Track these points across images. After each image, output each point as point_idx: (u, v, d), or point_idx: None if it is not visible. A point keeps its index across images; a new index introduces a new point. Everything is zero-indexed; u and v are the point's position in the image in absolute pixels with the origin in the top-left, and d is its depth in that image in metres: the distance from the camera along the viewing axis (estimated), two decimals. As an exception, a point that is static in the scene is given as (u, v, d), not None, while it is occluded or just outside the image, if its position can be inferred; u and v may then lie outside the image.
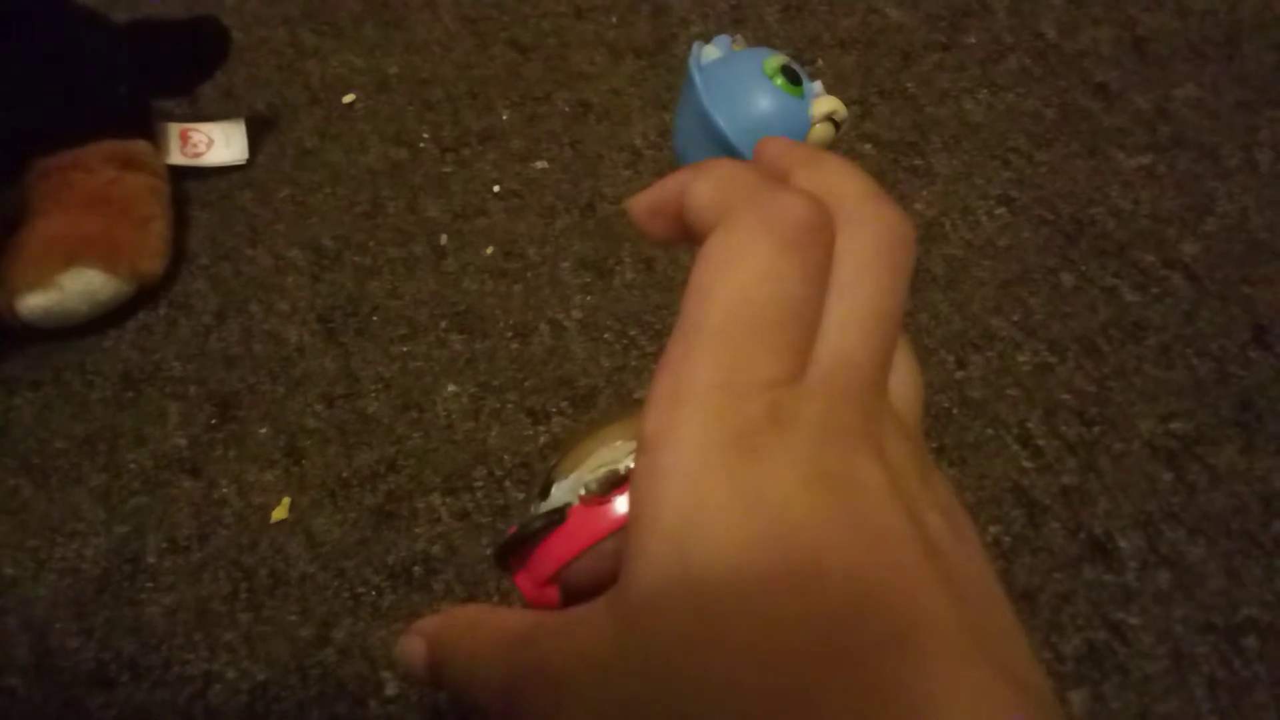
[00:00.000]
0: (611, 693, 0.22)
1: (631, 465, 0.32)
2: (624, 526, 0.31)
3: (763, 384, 0.23)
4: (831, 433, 0.22)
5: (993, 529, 0.49)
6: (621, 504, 0.31)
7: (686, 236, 0.26)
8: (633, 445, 0.32)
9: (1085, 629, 0.45)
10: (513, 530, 0.35)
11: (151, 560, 0.51)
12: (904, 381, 0.23)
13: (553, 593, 0.34)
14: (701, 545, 0.21)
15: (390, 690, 0.46)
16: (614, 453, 0.33)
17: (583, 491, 0.32)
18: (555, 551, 0.33)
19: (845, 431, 0.22)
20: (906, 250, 0.23)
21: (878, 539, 0.21)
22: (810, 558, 0.20)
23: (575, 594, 0.34)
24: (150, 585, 0.50)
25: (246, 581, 0.50)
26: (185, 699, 0.46)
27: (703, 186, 0.25)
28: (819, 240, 0.23)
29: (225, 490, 0.53)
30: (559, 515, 0.33)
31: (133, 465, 0.54)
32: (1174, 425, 0.52)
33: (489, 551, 0.49)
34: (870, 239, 0.22)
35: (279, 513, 0.52)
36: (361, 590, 0.49)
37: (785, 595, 0.20)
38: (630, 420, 0.31)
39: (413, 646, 0.29)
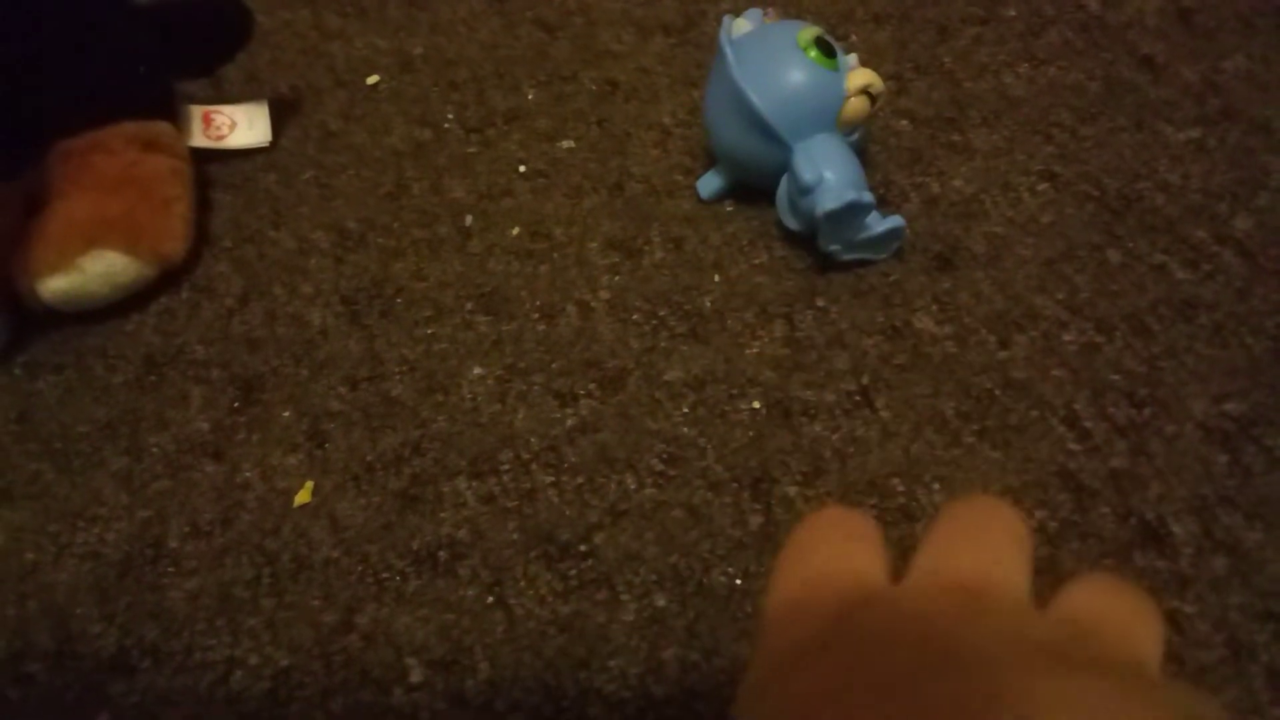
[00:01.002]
0: None
1: None
2: None
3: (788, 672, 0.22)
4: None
5: (1038, 514, 0.47)
6: None
7: None
8: None
9: (1137, 617, 0.43)
10: None
11: (174, 545, 0.50)
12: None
13: None
14: None
15: (415, 677, 0.44)
16: None
17: None
18: None
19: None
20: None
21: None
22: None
23: None
24: (172, 570, 0.49)
25: (269, 566, 0.48)
26: (207, 685, 0.45)
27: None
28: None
29: (248, 474, 0.52)
30: None
31: (155, 449, 0.54)
32: (1228, 406, 0.49)
33: (515, 537, 0.48)
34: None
35: (302, 497, 0.51)
36: (385, 575, 0.47)
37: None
38: None
39: None
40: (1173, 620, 0.43)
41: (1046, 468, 0.48)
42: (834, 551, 0.25)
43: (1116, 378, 0.51)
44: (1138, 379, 0.51)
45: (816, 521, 0.26)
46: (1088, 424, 0.50)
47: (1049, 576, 0.44)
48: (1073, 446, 0.49)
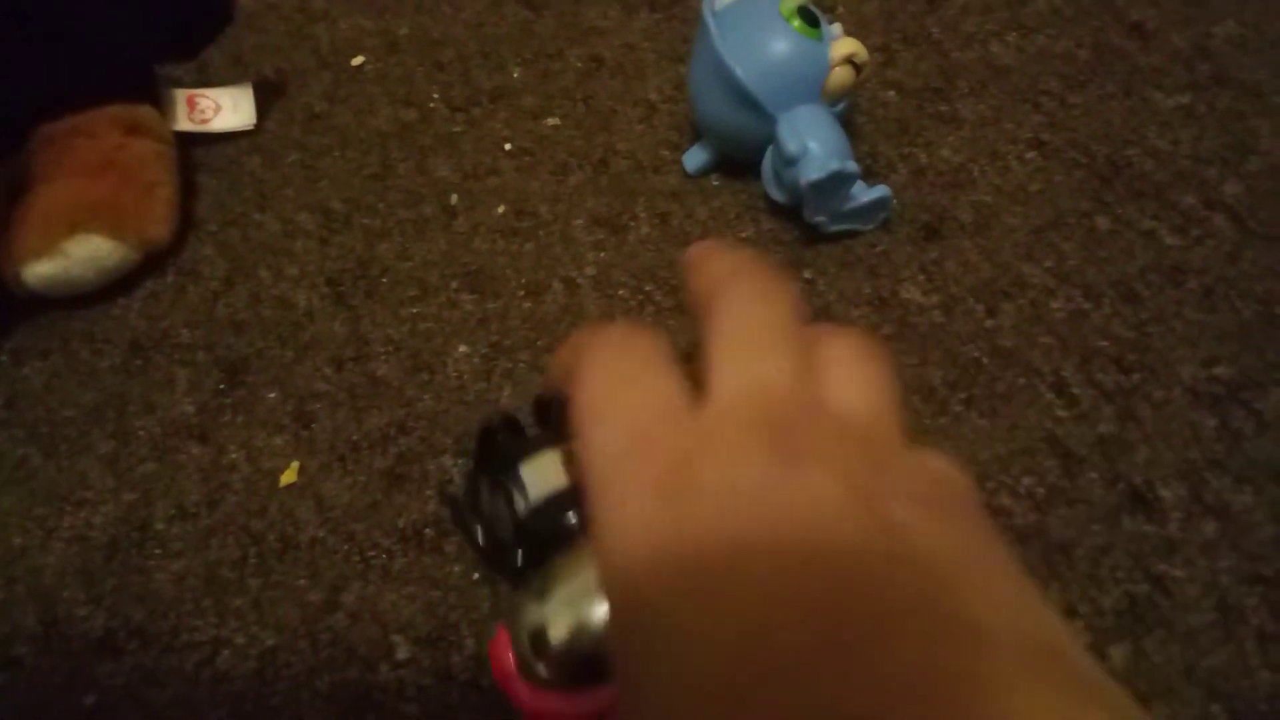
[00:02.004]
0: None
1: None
2: None
3: (654, 439, 0.23)
4: (741, 453, 0.21)
5: (1026, 480, 0.46)
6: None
7: None
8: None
9: (1125, 582, 0.43)
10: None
11: (160, 527, 0.50)
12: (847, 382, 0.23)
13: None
14: (635, 558, 0.21)
15: (401, 654, 0.44)
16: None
17: None
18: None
19: (755, 448, 0.21)
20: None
21: (825, 545, 0.19)
22: (738, 563, 0.19)
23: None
24: (159, 552, 0.49)
25: (255, 547, 0.48)
26: (194, 665, 0.45)
27: (558, 364, 0.27)
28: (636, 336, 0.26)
29: (234, 456, 0.52)
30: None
31: (141, 432, 0.53)
32: (1217, 370, 0.49)
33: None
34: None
35: (288, 477, 0.51)
36: (372, 554, 0.47)
37: (729, 591, 0.19)
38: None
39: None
40: (1162, 585, 0.43)
41: (1034, 434, 0.48)
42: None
43: (1104, 344, 0.51)
44: (1126, 345, 0.50)
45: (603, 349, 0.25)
46: (1075, 390, 0.49)
47: (1038, 545, 0.44)
48: (1060, 413, 0.49)
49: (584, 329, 0.28)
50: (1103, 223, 0.56)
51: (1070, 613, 0.42)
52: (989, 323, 0.52)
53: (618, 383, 0.25)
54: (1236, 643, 0.41)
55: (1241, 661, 0.40)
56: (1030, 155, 0.59)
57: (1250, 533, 0.44)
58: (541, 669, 0.35)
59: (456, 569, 0.46)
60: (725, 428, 0.22)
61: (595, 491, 0.22)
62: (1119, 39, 0.65)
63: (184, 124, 0.66)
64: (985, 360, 0.51)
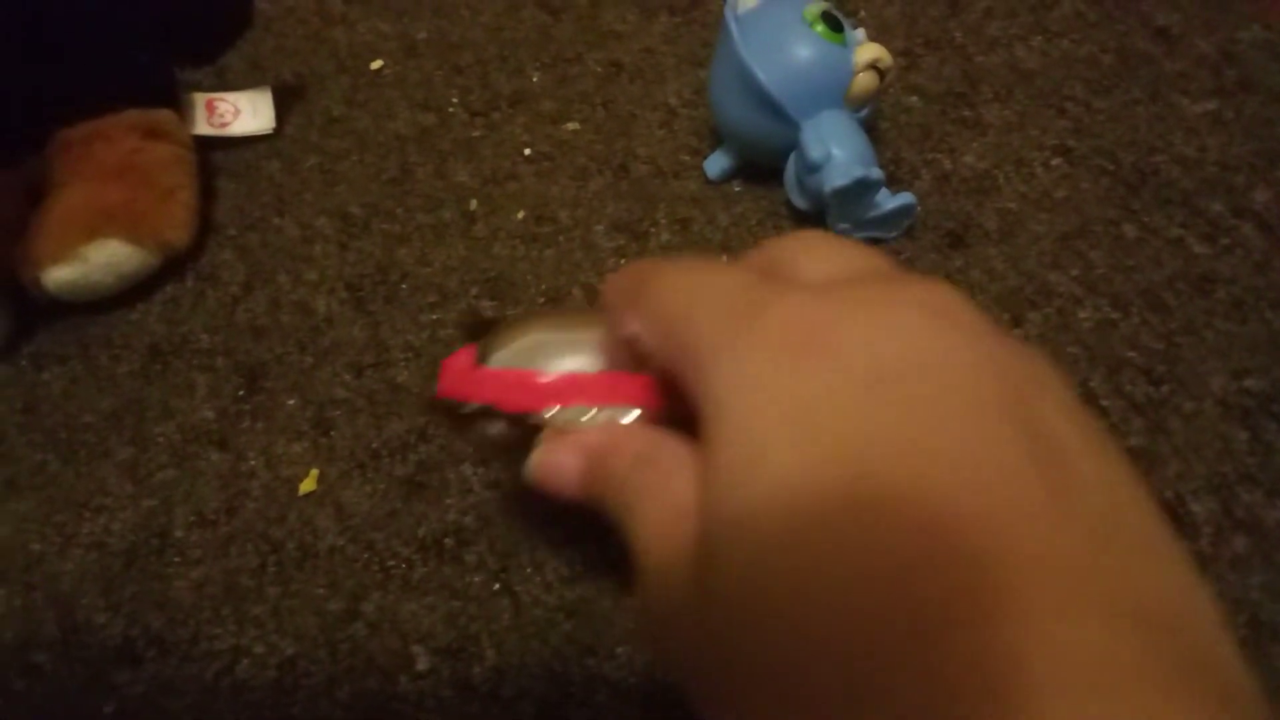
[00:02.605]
0: (687, 638, 0.20)
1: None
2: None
3: (771, 304, 0.21)
4: (879, 321, 0.19)
5: (1054, 493, 0.46)
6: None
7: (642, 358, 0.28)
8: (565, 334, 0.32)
9: (1156, 598, 0.42)
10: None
11: (179, 534, 0.49)
12: None
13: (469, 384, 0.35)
14: (754, 492, 0.18)
15: (421, 665, 0.44)
16: (544, 334, 0.33)
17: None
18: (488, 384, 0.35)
19: (903, 319, 0.20)
20: None
21: (961, 454, 0.17)
22: (873, 493, 0.17)
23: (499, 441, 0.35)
24: (178, 560, 0.49)
25: (274, 555, 0.48)
26: (213, 674, 0.45)
27: (633, 320, 0.26)
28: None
29: (253, 462, 0.52)
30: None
31: (160, 439, 0.53)
32: (1248, 382, 0.48)
33: (521, 523, 0.48)
34: None
35: (307, 485, 0.50)
36: (391, 563, 0.47)
37: (842, 550, 0.17)
38: (552, 315, 0.34)
39: (566, 459, 0.27)
40: (1192, 600, 0.42)
41: (1062, 447, 0.47)
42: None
43: (1133, 355, 0.50)
44: (1155, 356, 0.50)
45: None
46: (1104, 402, 0.49)
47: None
48: (1088, 425, 0.48)
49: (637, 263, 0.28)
50: (1130, 231, 0.55)
51: (1099, 628, 0.42)
52: (1016, 332, 0.51)
53: (706, 276, 0.24)
54: (1269, 661, 0.40)
55: (1273, 679, 0.40)
56: (1056, 162, 0.59)
57: (1283, 548, 0.43)
58: None
59: (477, 579, 0.46)
60: (862, 287, 0.21)
61: (703, 360, 0.21)
62: (1144, 44, 0.65)
63: (203, 128, 0.66)
64: (1011, 370, 0.50)
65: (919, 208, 0.56)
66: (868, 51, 0.54)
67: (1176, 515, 0.45)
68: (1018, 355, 0.20)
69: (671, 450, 0.24)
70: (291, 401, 0.54)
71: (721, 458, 0.20)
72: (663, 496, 0.22)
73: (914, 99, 0.63)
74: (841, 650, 0.16)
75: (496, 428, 0.34)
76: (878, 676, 0.16)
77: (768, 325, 0.20)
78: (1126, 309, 0.52)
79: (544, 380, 0.32)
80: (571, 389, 0.31)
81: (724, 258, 0.57)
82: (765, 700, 0.17)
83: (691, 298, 0.23)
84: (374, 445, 0.51)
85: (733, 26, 0.55)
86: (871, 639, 0.16)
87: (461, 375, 0.35)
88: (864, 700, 0.16)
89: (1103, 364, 0.50)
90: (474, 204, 0.62)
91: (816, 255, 0.24)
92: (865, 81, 0.55)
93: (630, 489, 0.24)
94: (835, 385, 0.18)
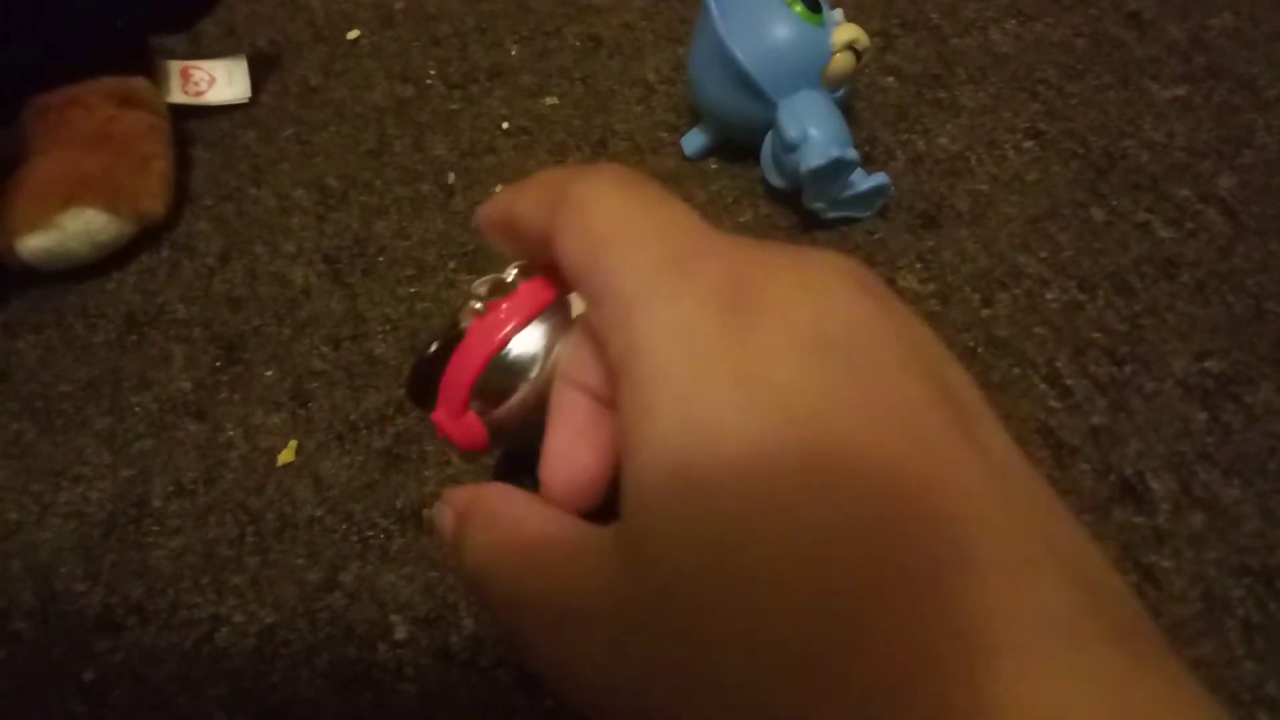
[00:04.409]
0: (618, 642, 0.19)
1: (514, 273, 0.30)
2: (520, 333, 0.30)
3: (710, 249, 0.21)
4: (814, 285, 0.19)
5: (1019, 470, 0.47)
6: (510, 306, 0.30)
7: (524, 241, 0.27)
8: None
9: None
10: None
11: (157, 504, 0.50)
12: None
13: (476, 425, 0.32)
14: (705, 457, 0.18)
15: (400, 634, 0.45)
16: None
17: (476, 305, 0.30)
18: (460, 373, 0.31)
19: (830, 283, 0.20)
20: None
21: (905, 418, 0.18)
22: (832, 455, 0.17)
23: (502, 428, 0.32)
24: (156, 529, 0.49)
25: (253, 525, 0.49)
26: (192, 642, 0.45)
27: (527, 194, 0.26)
28: (645, 177, 0.23)
29: (231, 433, 0.52)
30: (456, 334, 0.31)
31: (137, 409, 0.53)
32: (1209, 364, 0.50)
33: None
34: None
35: (285, 456, 0.51)
36: (370, 534, 0.48)
37: (810, 511, 0.17)
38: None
39: (444, 517, 0.27)
40: (1151, 575, 0.44)
41: (1028, 425, 0.49)
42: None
43: (1098, 335, 0.51)
44: (1119, 337, 0.51)
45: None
46: (1069, 381, 0.50)
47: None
48: (1053, 404, 0.49)
49: (551, 169, 0.27)
50: (1098, 214, 0.56)
51: (1060, 601, 0.43)
52: (985, 312, 0.53)
53: (640, 207, 0.22)
54: (1222, 634, 0.42)
55: (1227, 651, 0.41)
56: (1028, 145, 0.60)
57: (1237, 525, 0.45)
58: None
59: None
60: (789, 247, 0.21)
61: (634, 302, 0.20)
62: (1116, 28, 0.66)
63: (178, 96, 0.66)
64: (981, 350, 0.51)
65: (893, 188, 0.56)
66: (845, 32, 0.55)
67: (1136, 491, 0.46)
68: (919, 323, 0.20)
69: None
70: (269, 373, 0.54)
71: (664, 425, 0.19)
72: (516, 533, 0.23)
73: (890, 80, 0.64)
74: (820, 610, 0.16)
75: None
76: (863, 632, 0.16)
77: (708, 273, 0.19)
78: (1093, 291, 0.53)
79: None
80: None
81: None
82: (727, 693, 0.17)
83: (623, 227, 0.21)
84: (352, 417, 0.52)
85: (712, 5, 0.56)
86: (848, 600, 0.16)
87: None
88: (849, 653, 0.16)
89: (1069, 344, 0.51)
90: (452, 177, 0.62)
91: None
92: (842, 62, 0.55)
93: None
94: (783, 347, 0.18)
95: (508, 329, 0.30)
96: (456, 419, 0.32)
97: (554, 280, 0.31)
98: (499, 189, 0.27)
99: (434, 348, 0.32)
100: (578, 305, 0.31)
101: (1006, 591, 0.16)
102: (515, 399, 0.31)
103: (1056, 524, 0.18)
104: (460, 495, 0.27)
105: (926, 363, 0.19)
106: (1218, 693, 0.41)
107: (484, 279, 0.31)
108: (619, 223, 0.22)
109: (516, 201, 0.26)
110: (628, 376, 0.19)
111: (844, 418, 0.18)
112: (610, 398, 0.25)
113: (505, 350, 0.30)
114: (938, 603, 0.16)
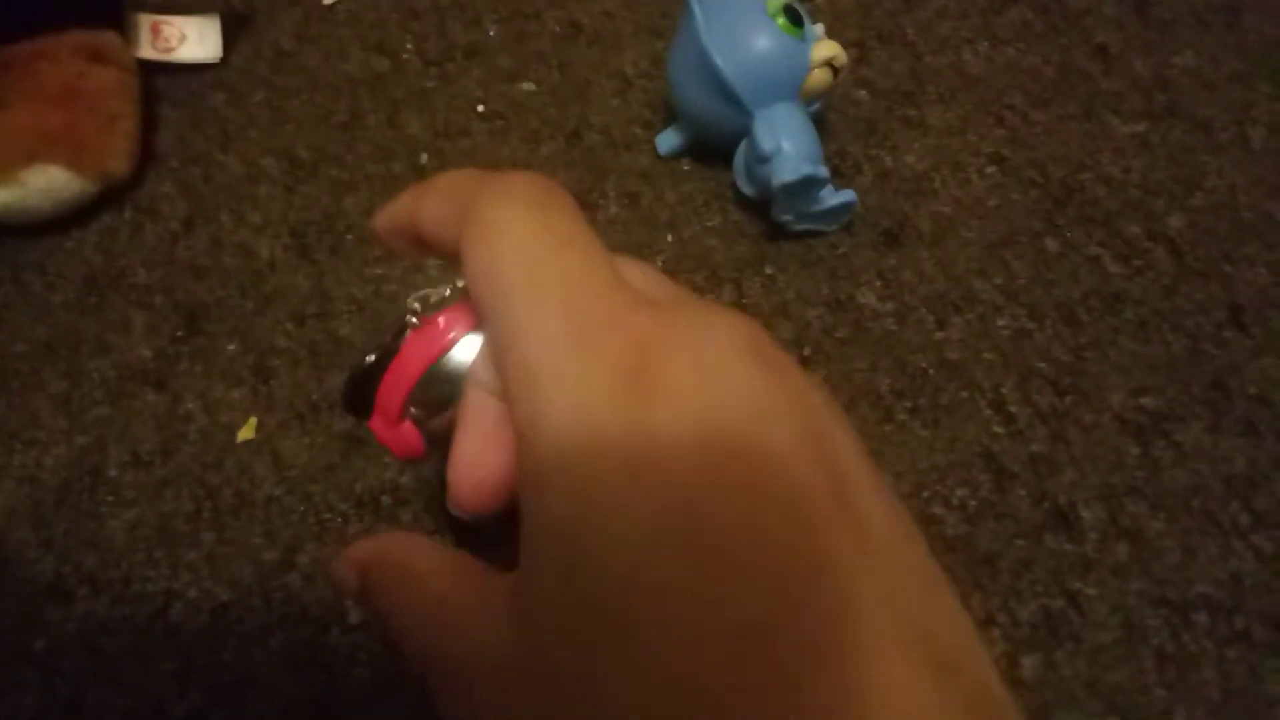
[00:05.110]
0: (513, 704, 0.21)
1: (459, 286, 0.31)
2: (456, 344, 0.31)
3: (614, 320, 0.21)
4: (710, 367, 0.20)
5: (959, 492, 0.49)
6: (447, 320, 0.31)
7: (428, 249, 0.27)
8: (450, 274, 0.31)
9: (1043, 596, 0.46)
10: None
11: (113, 473, 0.50)
12: None
13: (412, 434, 0.34)
14: (593, 542, 0.19)
15: (353, 618, 0.45)
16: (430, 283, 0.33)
17: (412, 320, 0.32)
18: (396, 382, 0.33)
19: (724, 362, 0.21)
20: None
21: (788, 498, 0.19)
22: (715, 540, 0.19)
23: (439, 437, 0.33)
24: (111, 499, 0.49)
25: (210, 501, 0.49)
26: (145, 616, 0.46)
27: (431, 202, 0.26)
28: (560, 195, 0.24)
29: (190, 406, 0.52)
30: (394, 344, 0.33)
31: (95, 374, 0.53)
32: (1145, 400, 0.52)
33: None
34: None
35: (245, 432, 0.51)
36: (328, 516, 0.48)
37: (687, 596, 0.18)
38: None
39: (346, 574, 0.28)
40: (1075, 601, 0.46)
41: (971, 448, 0.51)
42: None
43: (1043, 365, 0.53)
44: (1063, 367, 0.53)
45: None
46: (1013, 408, 0.52)
47: (965, 555, 0.47)
48: (997, 429, 0.51)
49: (458, 172, 0.26)
50: (1052, 245, 0.58)
51: (989, 622, 0.46)
52: (939, 334, 0.54)
53: (549, 245, 0.22)
54: (1137, 661, 0.44)
55: (1140, 678, 0.44)
56: (990, 170, 0.61)
57: (1160, 558, 0.47)
58: None
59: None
60: (688, 311, 0.21)
61: (540, 377, 0.20)
62: (1083, 60, 0.67)
63: (147, 51, 0.64)
64: (932, 371, 0.53)
65: (859, 204, 0.58)
66: (825, 49, 0.56)
67: (1068, 519, 0.48)
68: (812, 389, 0.21)
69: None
70: (232, 346, 0.54)
71: (557, 508, 0.20)
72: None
73: (863, 93, 0.65)
74: (693, 691, 0.18)
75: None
76: (728, 716, 0.18)
77: (609, 352, 0.20)
78: (1042, 320, 0.55)
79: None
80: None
81: (669, 237, 0.58)
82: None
83: (533, 275, 0.21)
84: (314, 398, 0.52)
85: (696, 10, 0.56)
86: (719, 686, 0.18)
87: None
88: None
89: (1015, 372, 0.53)
90: (425, 158, 0.62)
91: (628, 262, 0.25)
92: (820, 77, 0.56)
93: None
94: (676, 434, 0.19)
95: (445, 340, 0.31)
96: (393, 427, 0.33)
97: None
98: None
99: (371, 358, 0.33)
100: None
101: (863, 675, 0.18)
102: (452, 409, 0.32)
103: (924, 601, 0.20)
104: (363, 550, 0.28)
105: (816, 437, 0.20)
106: (1128, 715, 0.43)
107: (420, 293, 0.32)
108: (527, 268, 0.22)
109: (421, 208, 0.26)
110: (530, 447, 0.21)
111: (730, 500, 0.19)
112: None
113: (442, 361, 0.31)
114: (795, 692, 0.18)
